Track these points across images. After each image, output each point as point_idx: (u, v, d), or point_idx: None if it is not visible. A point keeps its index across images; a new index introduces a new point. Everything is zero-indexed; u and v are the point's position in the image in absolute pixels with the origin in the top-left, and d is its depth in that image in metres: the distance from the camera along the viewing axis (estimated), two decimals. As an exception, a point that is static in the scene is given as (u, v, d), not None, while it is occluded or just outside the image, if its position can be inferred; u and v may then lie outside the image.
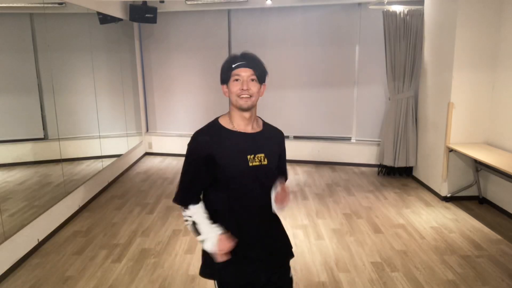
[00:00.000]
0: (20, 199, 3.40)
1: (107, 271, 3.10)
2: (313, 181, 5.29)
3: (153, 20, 5.86)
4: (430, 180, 4.83)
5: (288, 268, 1.85)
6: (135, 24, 6.26)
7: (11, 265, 3.08)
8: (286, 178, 1.89)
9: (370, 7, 5.17)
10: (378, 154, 5.75)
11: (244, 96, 1.62)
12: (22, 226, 3.25)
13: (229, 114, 1.71)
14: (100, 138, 4.92)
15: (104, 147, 5.00)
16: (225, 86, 1.68)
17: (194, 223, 1.68)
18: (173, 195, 1.75)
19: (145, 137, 6.75)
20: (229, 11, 6.08)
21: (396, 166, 5.29)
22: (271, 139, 1.76)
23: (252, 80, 1.63)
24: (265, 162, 1.67)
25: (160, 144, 6.73)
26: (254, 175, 1.66)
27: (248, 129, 1.69)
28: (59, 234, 3.74)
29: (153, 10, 5.80)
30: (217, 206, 1.70)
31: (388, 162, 5.33)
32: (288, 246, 1.85)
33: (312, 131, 6.15)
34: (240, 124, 1.68)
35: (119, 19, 5.55)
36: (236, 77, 1.62)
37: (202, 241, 1.66)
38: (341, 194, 4.78)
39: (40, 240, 3.48)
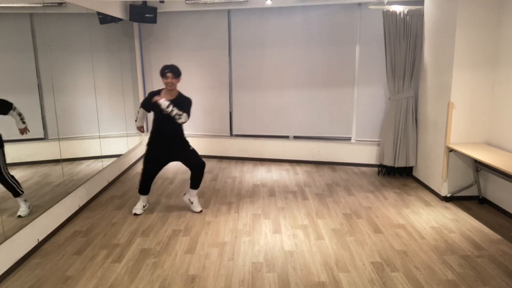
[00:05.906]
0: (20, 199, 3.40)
1: (107, 271, 3.10)
2: (313, 181, 5.29)
3: (153, 20, 5.86)
4: (430, 180, 4.83)
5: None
6: (135, 24, 6.26)
7: (11, 265, 3.08)
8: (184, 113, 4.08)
9: (370, 7, 5.17)
10: (378, 154, 5.76)
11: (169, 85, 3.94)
12: (22, 226, 3.25)
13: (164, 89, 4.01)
14: (100, 138, 4.92)
15: (104, 147, 5.00)
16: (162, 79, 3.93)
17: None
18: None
19: (145, 137, 6.73)
20: (229, 11, 6.08)
21: (396, 166, 5.29)
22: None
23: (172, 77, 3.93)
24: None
25: (160, 144, 6.72)
26: (167, 116, 3.94)
27: (168, 97, 3.97)
28: (59, 234, 3.74)
29: (153, 10, 5.81)
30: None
31: (388, 162, 5.33)
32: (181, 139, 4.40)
33: (312, 131, 6.15)
34: (165, 94, 3.99)
35: (119, 19, 5.55)
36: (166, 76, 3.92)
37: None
38: (341, 194, 4.78)
39: (40, 240, 3.49)
